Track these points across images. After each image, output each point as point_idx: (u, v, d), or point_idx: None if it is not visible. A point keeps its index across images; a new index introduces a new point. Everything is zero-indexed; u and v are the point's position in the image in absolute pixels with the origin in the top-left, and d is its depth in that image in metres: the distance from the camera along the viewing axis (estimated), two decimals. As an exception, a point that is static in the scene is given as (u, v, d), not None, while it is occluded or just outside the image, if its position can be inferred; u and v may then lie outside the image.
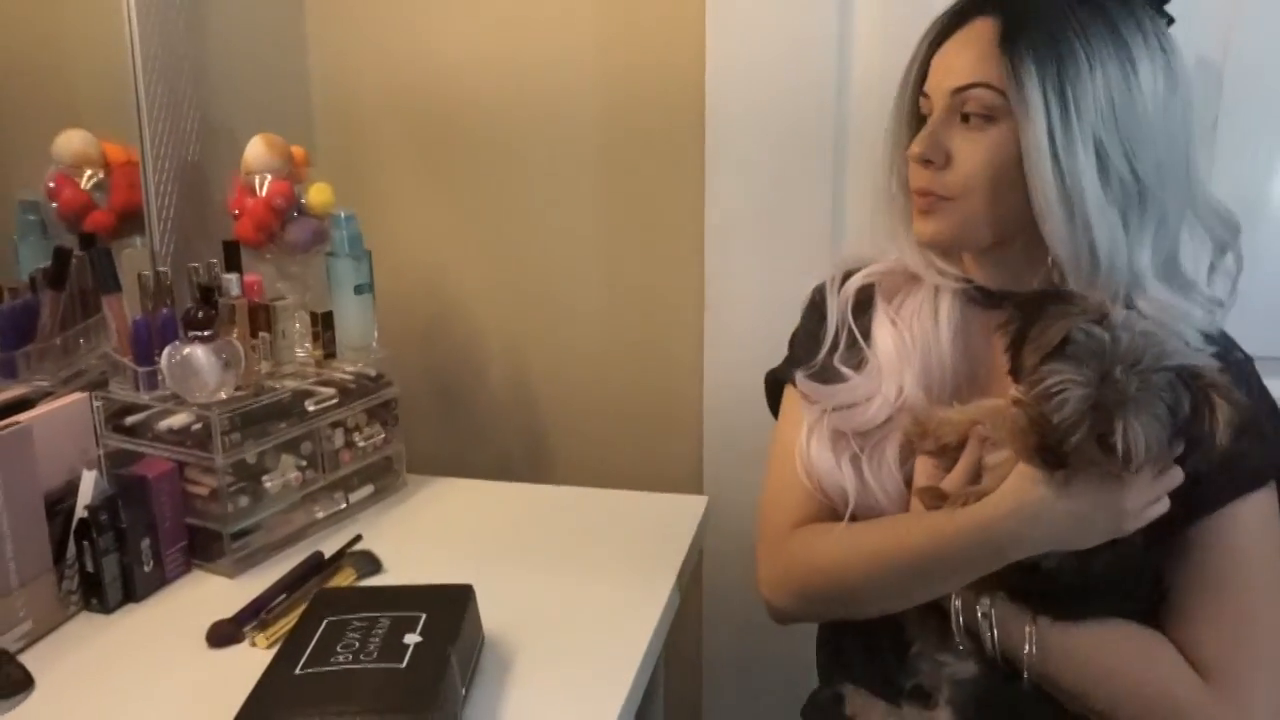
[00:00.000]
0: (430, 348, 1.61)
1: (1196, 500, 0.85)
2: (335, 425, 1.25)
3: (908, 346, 0.97)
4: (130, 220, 1.33)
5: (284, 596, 1.06)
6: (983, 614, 0.88)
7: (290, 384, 1.21)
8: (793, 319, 1.10)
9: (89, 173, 1.33)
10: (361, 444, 1.29)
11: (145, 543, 1.08)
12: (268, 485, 1.16)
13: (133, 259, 1.29)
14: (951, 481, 0.89)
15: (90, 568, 1.05)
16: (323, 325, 1.27)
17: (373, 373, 1.30)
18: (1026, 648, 0.87)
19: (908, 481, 0.94)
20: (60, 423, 1.07)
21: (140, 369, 1.14)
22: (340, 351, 1.29)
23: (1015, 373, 0.82)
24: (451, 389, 1.63)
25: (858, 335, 1.00)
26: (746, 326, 1.44)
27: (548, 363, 1.58)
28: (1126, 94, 0.85)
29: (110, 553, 1.05)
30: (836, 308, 1.02)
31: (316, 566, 1.13)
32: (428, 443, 1.55)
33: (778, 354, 1.10)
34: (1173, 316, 0.88)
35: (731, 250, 1.44)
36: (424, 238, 1.57)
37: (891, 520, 0.93)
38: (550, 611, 1.05)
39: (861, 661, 1.02)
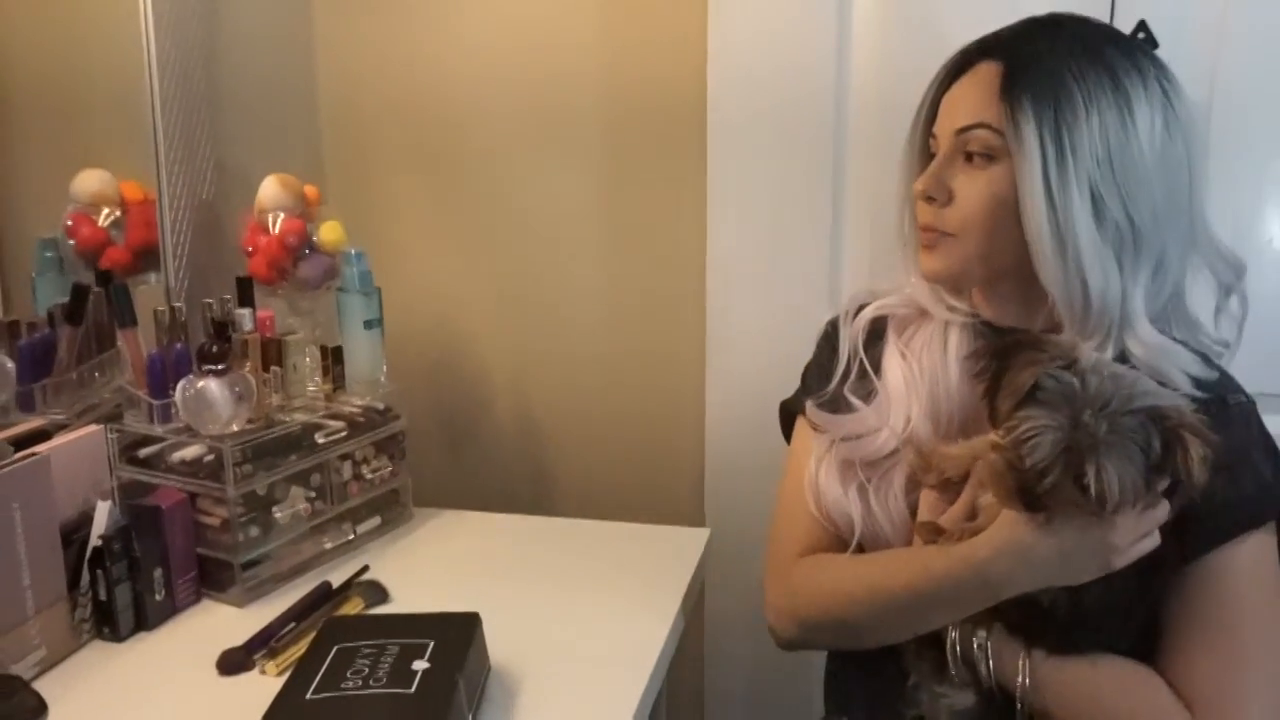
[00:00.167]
0: (437, 382, 1.63)
1: (1191, 540, 0.87)
2: (344, 458, 1.27)
3: (916, 379, 0.99)
4: (146, 257, 1.36)
5: (293, 625, 1.07)
6: (979, 645, 0.90)
7: (300, 417, 1.23)
8: (795, 348, 1.12)
9: (106, 211, 1.36)
10: (369, 476, 1.30)
11: (157, 572, 1.10)
12: (277, 516, 1.18)
13: (148, 295, 1.32)
14: (951, 517, 0.91)
15: (103, 596, 1.06)
16: (333, 360, 1.29)
17: (381, 406, 1.33)
18: (1020, 679, 0.88)
19: (913, 512, 0.95)
20: (76, 454, 1.10)
21: (155, 402, 1.16)
22: (349, 385, 1.31)
23: (993, 419, 0.84)
24: (457, 423, 1.65)
25: (868, 367, 1.02)
26: (748, 361, 1.46)
27: (552, 397, 1.60)
28: (1123, 138, 0.87)
29: (123, 582, 1.07)
30: (849, 339, 1.04)
31: (325, 596, 1.14)
32: (434, 475, 1.57)
33: (780, 383, 1.12)
34: (1163, 358, 0.89)
35: (733, 284, 1.46)
36: (432, 275, 1.60)
37: (890, 554, 0.95)
38: (554, 641, 1.06)
39: (863, 692, 1.03)
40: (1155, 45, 1.28)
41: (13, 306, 1.32)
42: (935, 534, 0.90)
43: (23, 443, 1.08)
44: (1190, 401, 0.83)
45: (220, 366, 1.13)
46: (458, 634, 0.94)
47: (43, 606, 1.01)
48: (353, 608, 1.12)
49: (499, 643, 1.00)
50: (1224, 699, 0.86)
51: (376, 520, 1.32)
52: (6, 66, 1.36)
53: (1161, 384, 0.84)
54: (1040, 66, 0.88)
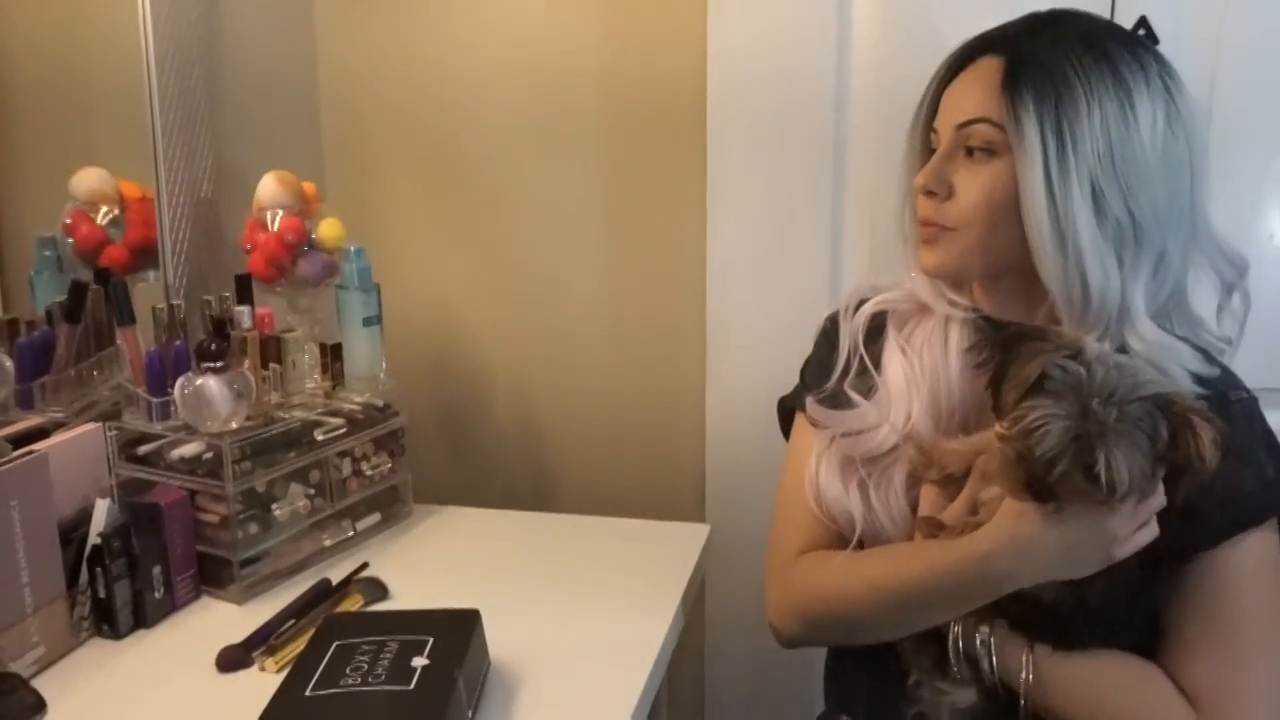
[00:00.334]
0: (437, 379, 1.63)
1: (1193, 536, 0.87)
2: (343, 455, 1.27)
3: (916, 375, 0.98)
4: (145, 255, 1.36)
5: (292, 622, 1.07)
6: (981, 641, 0.89)
7: (299, 414, 1.23)
8: (795, 348, 1.12)
9: (105, 209, 1.36)
10: (369, 473, 1.30)
11: (156, 570, 1.10)
12: (277, 513, 1.18)
13: (147, 293, 1.31)
14: (952, 513, 0.91)
15: (102, 594, 1.06)
16: (332, 357, 1.29)
17: (380, 403, 1.32)
18: (1023, 675, 0.88)
19: (914, 508, 0.95)
20: (75, 452, 1.10)
21: (153, 399, 1.16)
22: (349, 382, 1.31)
23: (998, 410, 0.84)
24: (457, 419, 1.65)
25: (868, 363, 1.02)
26: (748, 356, 1.46)
27: (552, 393, 1.60)
28: (1124, 134, 0.86)
29: (122, 579, 1.07)
30: (849, 334, 1.04)
31: (324, 593, 1.14)
32: (434, 472, 1.57)
33: (780, 383, 1.12)
34: (1163, 354, 0.89)
35: (733, 281, 1.46)
36: (432, 272, 1.60)
37: (891, 550, 0.95)
38: (554, 638, 1.06)
39: (865, 690, 1.03)
40: (1156, 41, 1.29)
41: (11, 304, 1.32)
42: (936, 529, 0.90)
43: (21, 440, 1.08)
44: (1194, 388, 0.83)
45: (219, 364, 1.13)
46: (457, 631, 0.94)
47: (41, 604, 1.01)
48: (352, 604, 1.12)
49: (499, 639, 1.00)
50: (1228, 696, 0.86)
51: (376, 517, 1.32)
52: (5, 64, 1.36)
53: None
54: (1041, 61, 0.88)
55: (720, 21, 1.39)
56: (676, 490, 1.55)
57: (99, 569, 1.06)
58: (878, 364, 1.02)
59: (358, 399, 1.30)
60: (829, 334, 1.08)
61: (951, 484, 0.92)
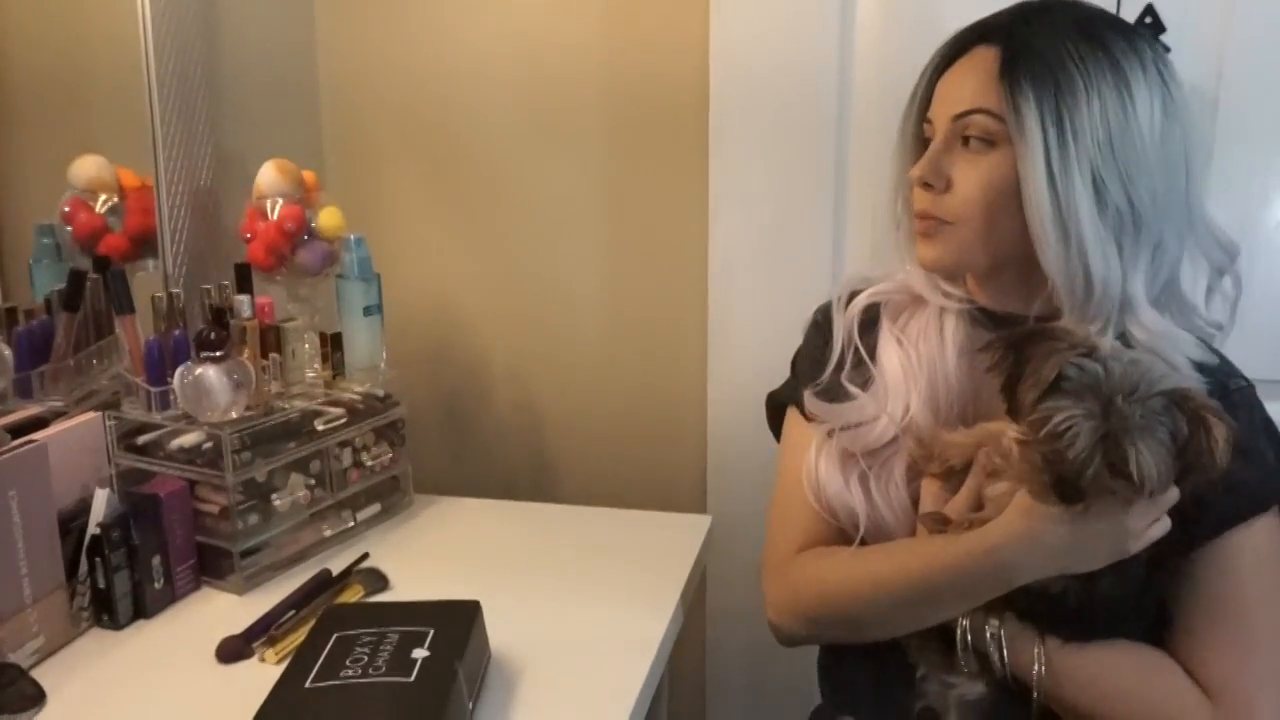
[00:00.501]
0: (437, 369, 1.63)
1: (1199, 526, 0.87)
2: (343, 445, 1.26)
3: (914, 366, 0.98)
4: (144, 244, 1.35)
5: (292, 613, 1.07)
6: (991, 635, 0.89)
7: (299, 404, 1.22)
8: (796, 341, 1.11)
9: (104, 197, 1.35)
10: (369, 463, 1.30)
11: (156, 560, 1.09)
12: (277, 504, 1.18)
13: (146, 281, 1.31)
14: (955, 507, 0.90)
15: (102, 584, 1.06)
16: (332, 346, 1.29)
17: (381, 393, 1.32)
18: (1036, 668, 0.88)
19: (914, 501, 0.95)
20: (74, 442, 1.09)
21: (153, 389, 1.16)
22: (349, 372, 1.31)
23: (1014, 412, 0.83)
24: (458, 409, 1.64)
25: (864, 354, 1.01)
26: (750, 346, 1.45)
27: (553, 383, 1.60)
28: (1123, 122, 0.86)
29: (122, 569, 1.07)
30: (843, 326, 1.03)
31: (324, 583, 1.14)
32: (434, 462, 1.57)
33: (781, 375, 1.12)
34: (1165, 342, 0.89)
35: (734, 273, 1.45)
36: (432, 261, 1.60)
37: (896, 545, 0.94)
38: (555, 629, 1.06)
39: (869, 685, 1.02)
40: (1162, 30, 1.28)
41: (10, 293, 1.31)
42: (941, 524, 0.90)
43: (20, 430, 1.07)
44: (1204, 381, 0.83)
45: (218, 353, 1.13)
46: (458, 622, 0.94)
47: (41, 595, 1.00)
48: (352, 595, 1.12)
49: (499, 630, 1.00)
50: (1240, 683, 0.86)
51: (376, 507, 1.32)
52: (4, 53, 1.35)
53: None
54: (1039, 50, 0.87)
55: (722, 16, 1.39)
56: (678, 481, 1.55)
57: (98, 559, 1.06)
58: (873, 355, 1.01)
59: (358, 389, 1.30)
60: (821, 326, 1.07)
61: (953, 476, 0.92)
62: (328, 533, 1.25)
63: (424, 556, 1.24)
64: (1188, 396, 0.78)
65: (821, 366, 1.03)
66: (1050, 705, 0.89)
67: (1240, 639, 0.87)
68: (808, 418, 1.02)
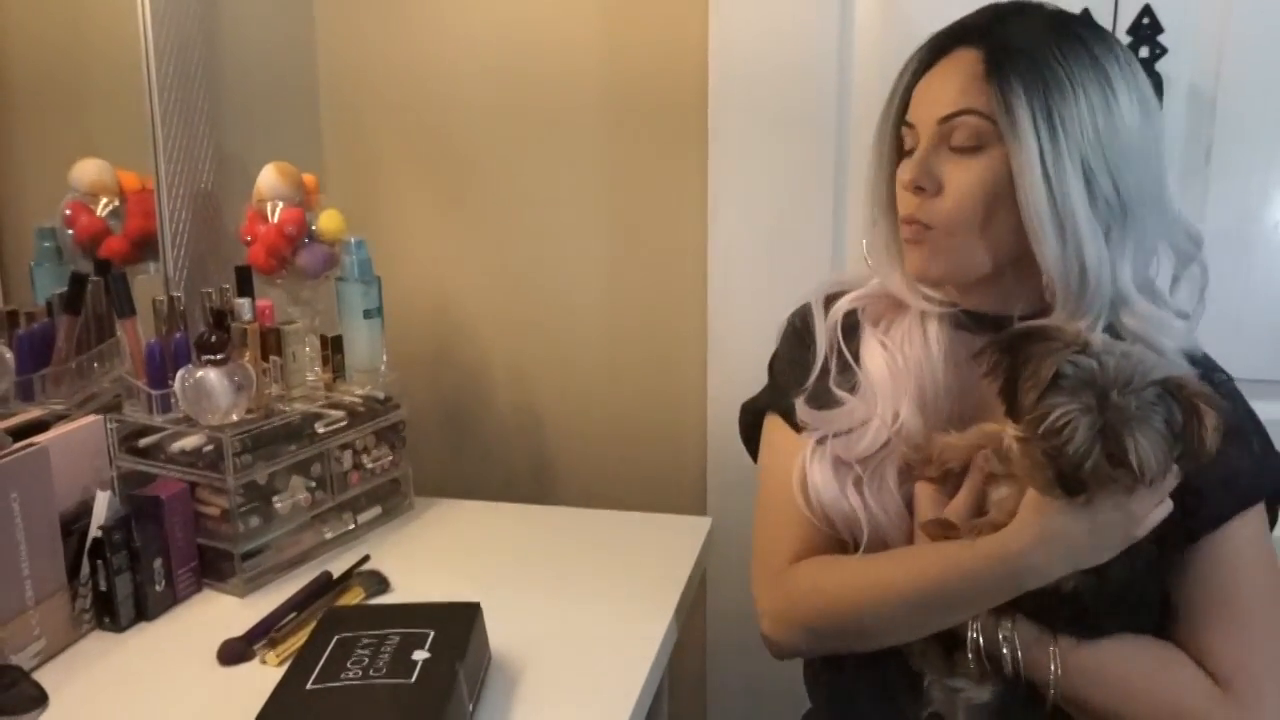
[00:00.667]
0: (438, 371, 1.63)
1: (1199, 517, 0.88)
2: (344, 447, 1.27)
3: (900, 369, 0.97)
4: (145, 246, 1.35)
5: (294, 615, 1.07)
6: (1005, 638, 0.88)
7: (300, 407, 1.23)
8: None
9: (105, 200, 1.36)
10: (370, 466, 1.30)
11: (157, 562, 1.10)
12: (278, 506, 1.18)
13: (147, 284, 1.31)
14: (955, 510, 0.90)
15: (103, 587, 1.06)
16: (332, 349, 1.29)
17: (381, 395, 1.32)
18: (1052, 668, 0.87)
19: (908, 503, 0.94)
20: (75, 444, 1.10)
21: (154, 392, 1.16)
22: (349, 375, 1.31)
23: (1014, 413, 0.83)
24: (458, 412, 1.64)
25: (849, 358, 1.00)
26: (750, 347, 1.44)
27: (553, 385, 1.60)
28: (1108, 116, 0.87)
29: (123, 572, 1.07)
30: (825, 332, 1.02)
31: (325, 586, 1.14)
32: (435, 465, 1.57)
33: (782, 375, 1.11)
34: (1156, 330, 0.90)
35: (735, 274, 1.45)
36: (432, 264, 1.60)
37: (906, 552, 0.93)
38: (555, 631, 1.06)
39: (871, 695, 1.00)
40: (1160, 30, 1.28)
41: (11, 296, 1.32)
42: (947, 530, 0.89)
43: (22, 433, 1.07)
44: (1195, 369, 0.85)
45: (219, 356, 1.13)
46: (458, 624, 0.94)
47: (43, 597, 1.01)
48: (353, 597, 1.12)
49: (500, 632, 1.00)
50: (1249, 667, 0.87)
51: (377, 510, 1.32)
52: (5, 56, 1.35)
53: None
54: (1022, 50, 0.88)
55: (722, 16, 1.39)
56: (678, 483, 1.55)
57: (100, 562, 1.06)
58: (857, 359, 1.00)
59: (358, 391, 1.30)
60: (800, 332, 1.05)
61: (949, 479, 0.92)
62: (328, 535, 1.25)
63: (425, 558, 1.24)
64: (1181, 384, 0.79)
65: (805, 373, 1.02)
66: (1064, 706, 0.89)
67: (1244, 624, 0.88)
68: (798, 426, 1.01)
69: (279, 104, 1.56)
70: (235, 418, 1.14)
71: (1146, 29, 1.28)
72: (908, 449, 0.94)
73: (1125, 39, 1.29)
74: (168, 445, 1.16)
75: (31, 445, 1.02)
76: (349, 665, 0.88)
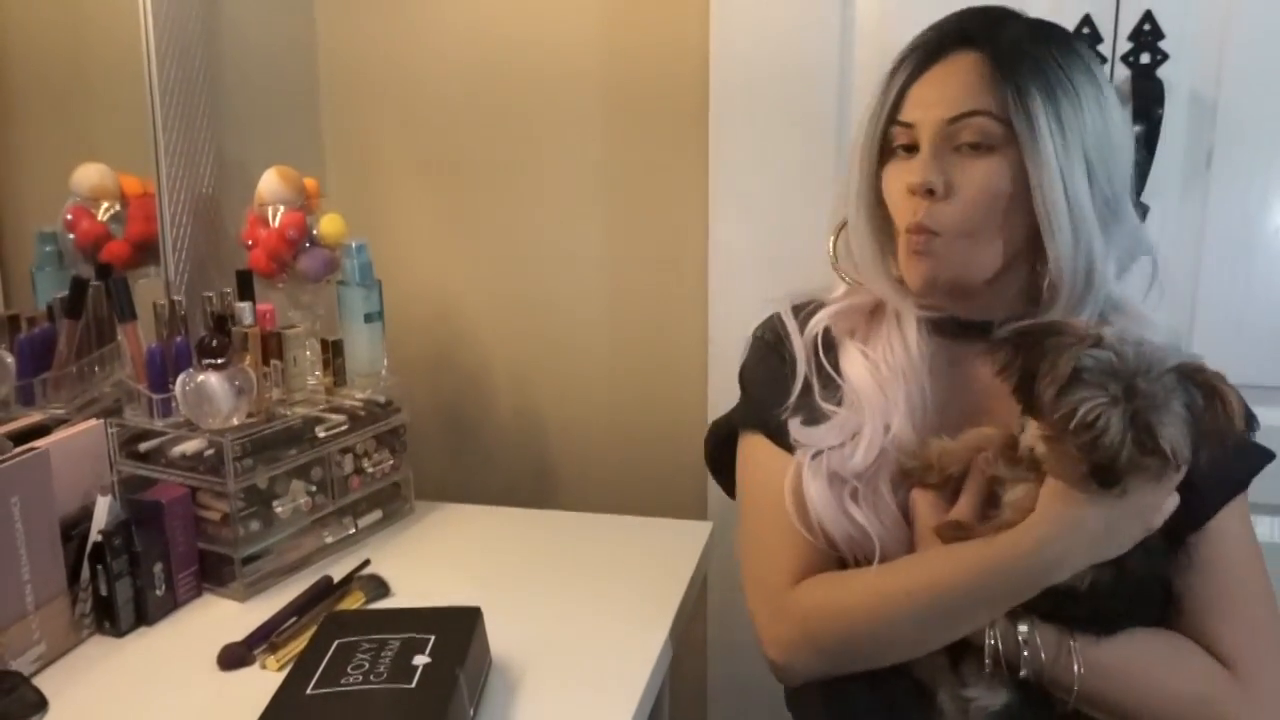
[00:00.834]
0: (438, 375, 1.63)
1: (1201, 505, 0.89)
2: (345, 451, 1.27)
3: (886, 378, 0.96)
4: (146, 251, 1.35)
5: (294, 619, 1.07)
6: (1023, 640, 0.87)
7: (301, 411, 1.23)
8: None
9: (106, 205, 1.36)
10: (370, 470, 1.30)
11: (158, 567, 1.10)
12: (278, 510, 1.18)
13: (148, 288, 1.31)
14: (961, 513, 0.89)
15: (104, 591, 1.06)
16: (333, 353, 1.29)
17: (382, 400, 1.32)
18: (1075, 668, 0.86)
19: (903, 510, 0.93)
20: (76, 449, 1.09)
21: (155, 396, 1.16)
22: (350, 379, 1.31)
23: (1032, 411, 0.83)
24: (459, 416, 1.64)
25: (831, 372, 0.98)
26: (750, 353, 1.45)
27: (554, 389, 1.60)
28: (1101, 116, 0.89)
29: (123, 576, 1.07)
30: (804, 346, 1.00)
31: (326, 590, 1.14)
32: (435, 469, 1.57)
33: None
34: (1144, 327, 0.89)
35: (736, 276, 1.45)
36: (433, 268, 1.60)
37: (914, 560, 0.91)
38: (556, 635, 1.06)
39: (880, 714, 0.96)
40: (1160, 36, 1.28)
41: (12, 300, 1.32)
42: (960, 532, 0.88)
43: (22, 437, 1.07)
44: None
45: (220, 360, 1.13)
46: (459, 628, 0.94)
47: (43, 602, 1.01)
48: (354, 602, 1.12)
49: (500, 637, 1.00)
50: (1256, 650, 0.89)
51: (377, 514, 1.32)
52: (6, 59, 1.35)
53: None
54: (1026, 53, 0.89)
55: (722, 16, 1.39)
56: (679, 487, 1.54)
57: (100, 566, 1.06)
58: (838, 372, 0.98)
59: (359, 395, 1.30)
60: (772, 346, 1.03)
61: (949, 485, 0.91)
62: (329, 539, 1.25)
63: (425, 563, 1.24)
64: (1198, 369, 0.79)
65: (784, 389, 0.99)
66: (1083, 705, 0.88)
67: (1246, 608, 0.90)
68: (790, 444, 0.97)
69: (280, 108, 1.56)
70: (236, 422, 1.14)
71: (1148, 35, 1.28)
72: (905, 458, 0.93)
73: (1127, 45, 1.29)
74: (168, 449, 1.16)
75: (32, 450, 1.02)
76: (349, 670, 0.87)
